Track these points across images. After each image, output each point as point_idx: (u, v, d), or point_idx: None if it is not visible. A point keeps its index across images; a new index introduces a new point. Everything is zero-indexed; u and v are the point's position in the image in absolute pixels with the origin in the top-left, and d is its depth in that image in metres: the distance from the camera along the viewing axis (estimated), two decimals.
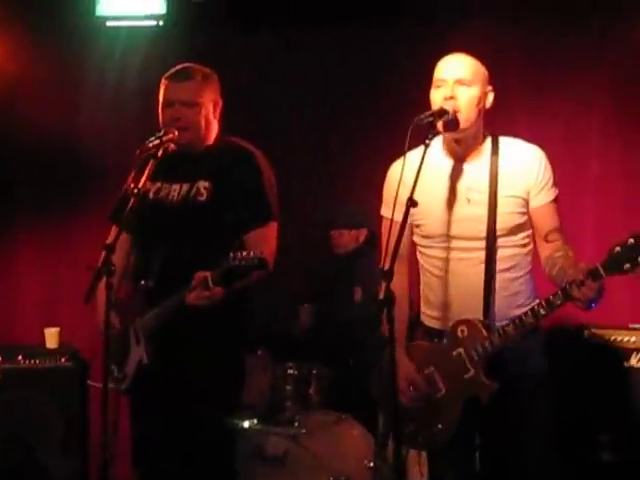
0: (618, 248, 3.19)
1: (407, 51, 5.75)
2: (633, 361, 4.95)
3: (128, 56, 5.98)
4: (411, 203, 3.35)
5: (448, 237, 3.64)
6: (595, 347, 5.01)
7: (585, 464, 4.90)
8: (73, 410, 5.50)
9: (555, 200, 3.64)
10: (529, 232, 3.66)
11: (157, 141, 3.87)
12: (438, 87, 3.58)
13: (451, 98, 3.53)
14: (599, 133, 5.57)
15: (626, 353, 4.96)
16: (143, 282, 4.04)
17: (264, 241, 4.00)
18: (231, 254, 3.68)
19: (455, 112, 3.53)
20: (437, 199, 3.65)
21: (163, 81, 4.13)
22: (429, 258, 3.73)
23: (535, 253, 3.69)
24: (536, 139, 3.75)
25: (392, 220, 3.49)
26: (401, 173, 3.45)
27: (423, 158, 3.43)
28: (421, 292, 3.84)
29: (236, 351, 4.21)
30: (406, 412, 3.66)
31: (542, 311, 3.41)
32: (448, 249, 3.65)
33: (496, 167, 3.60)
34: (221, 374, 4.05)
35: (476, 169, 3.64)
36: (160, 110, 4.11)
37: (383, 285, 3.26)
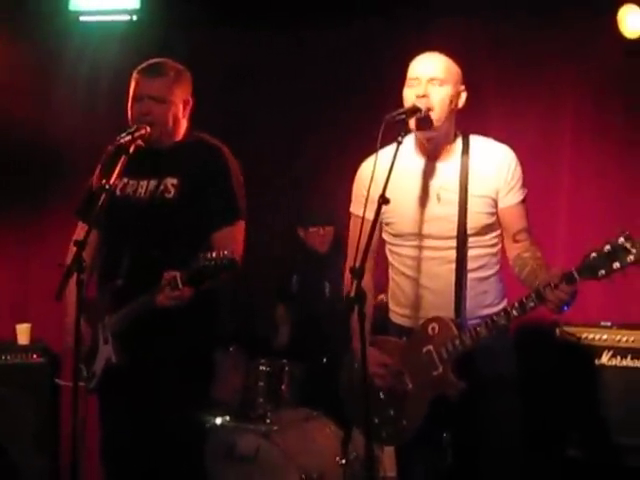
0: (594, 254, 3.21)
1: (376, 50, 5.76)
2: (604, 359, 4.97)
3: (101, 51, 5.94)
4: (383, 200, 3.36)
5: (419, 236, 3.64)
6: (566, 345, 5.03)
7: (555, 461, 4.92)
8: (45, 406, 5.50)
9: (524, 201, 3.65)
10: (498, 232, 3.68)
11: (128, 137, 3.83)
12: (411, 86, 3.58)
13: (424, 96, 3.54)
14: (572, 131, 5.57)
15: (597, 351, 4.98)
16: (117, 282, 3.99)
17: (232, 240, 3.98)
18: (201, 254, 3.66)
19: (428, 110, 3.53)
20: (408, 197, 3.65)
21: (134, 75, 4.09)
22: (399, 257, 3.74)
23: (503, 253, 3.71)
24: (508, 138, 3.76)
25: (363, 218, 3.46)
26: (373, 170, 3.44)
27: (395, 156, 3.42)
28: (389, 289, 3.84)
29: (204, 348, 4.18)
30: (371, 407, 3.61)
31: (514, 312, 3.42)
32: (419, 248, 3.65)
33: (467, 166, 3.61)
34: (189, 371, 4.03)
35: (447, 168, 3.64)
36: (129, 104, 4.07)
37: (354, 283, 3.26)
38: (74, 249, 3.59)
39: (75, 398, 3.47)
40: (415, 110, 3.52)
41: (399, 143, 3.45)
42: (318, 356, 5.35)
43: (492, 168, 3.61)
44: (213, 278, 3.69)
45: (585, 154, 5.55)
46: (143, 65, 4.11)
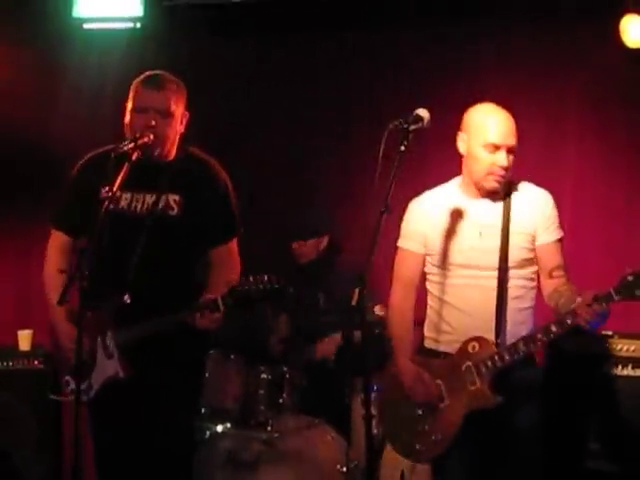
0: (631, 277, 3.41)
1: (379, 62, 5.76)
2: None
3: (105, 58, 5.96)
4: (385, 209, 3.40)
5: (461, 266, 3.84)
6: (567, 354, 5.03)
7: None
8: (46, 412, 5.48)
9: (560, 240, 3.85)
10: (535, 269, 3.86)
11: (132, 144, 3.76)
12: (491, 151, 3.76)
13: (506, 169, 3.75)
14: (576, 139, 5.59)
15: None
16: (125, 297, 3.90)
17: (231, 256, 4.08)
18: (250, 278, 3.73)
19: (503, 177, 3.77)
20: (452, 232, 3.84)
21: (136, 86, 4.04)
22: (441, 286, 3.90)
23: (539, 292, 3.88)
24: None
25: (408, 251, 3.92)
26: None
27: (398, 165, 3.46)
28: (427, 317, 4.00)
29: (200, 359, 4.22)
30: (404, 422, 3.87)
31: (553, 328, 3.59)
32: (461, 277, 3.85)
33: (509, 205, 3.83)
34: (189, 384, 4.07)
35: (490, 206, 3.85)
36: (130, 115, 4.01)
37: (357, 291, 3.32)
38: (55, 255, 3.73)
39: (77, 405, 3.48)
40: (418, 119, 3.56)
41: (401, 152, 3.47)
42: (316, 365, 5.34)
43: (532, 208, 3.84)
44: (258, 301, 3.75)
45: (589, 162, 5.57)
46: (144, 77, 4.07)
